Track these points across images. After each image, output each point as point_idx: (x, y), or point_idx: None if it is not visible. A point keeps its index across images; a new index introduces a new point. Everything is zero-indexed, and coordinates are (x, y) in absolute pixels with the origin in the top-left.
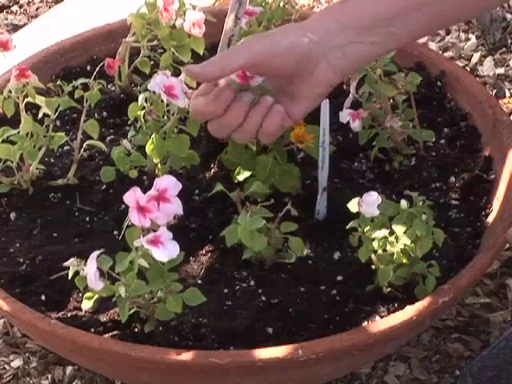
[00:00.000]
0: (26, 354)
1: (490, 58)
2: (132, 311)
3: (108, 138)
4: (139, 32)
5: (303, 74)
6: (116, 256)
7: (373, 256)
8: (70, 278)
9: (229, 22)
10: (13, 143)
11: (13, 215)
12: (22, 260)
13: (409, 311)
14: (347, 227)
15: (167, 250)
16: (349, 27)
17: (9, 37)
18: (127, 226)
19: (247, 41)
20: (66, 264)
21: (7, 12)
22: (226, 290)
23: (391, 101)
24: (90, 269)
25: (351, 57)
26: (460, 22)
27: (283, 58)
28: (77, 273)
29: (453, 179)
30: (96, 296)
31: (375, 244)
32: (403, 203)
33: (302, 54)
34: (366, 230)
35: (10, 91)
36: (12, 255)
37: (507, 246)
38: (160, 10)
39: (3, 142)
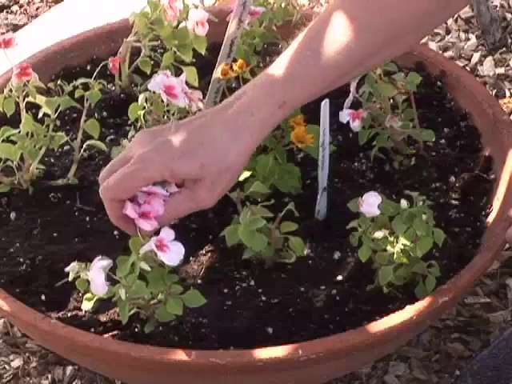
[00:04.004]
0: (26, 354)
1: (490, 58)
2: (132, 312)
3: (108, 138)
4: (141, 31)
5: None
6: (117, 259)
7: (373, 256)
8: (70, 280)
9: (232, 25)
10: (13, 143)
11: (13, 215)
12: (21, 260)
13: (409, 311)
14: (347, 227)
15: (173, 253)
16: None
17: (11, 35)
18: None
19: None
20: (67, 270)
21: (7, 12)
22: (225, 290)
23: (391, 101)
24: (97, 278)
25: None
26: None
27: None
28: (77, 276)
29: (453, 179)
30: (96, 297)
31: (375, 244)
32: (403, 203)
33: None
34: (365, 230)
35: (11, 90)
36: (12, 255)
37: (507, 245)
38: (165, 6)
39: (3, 141)
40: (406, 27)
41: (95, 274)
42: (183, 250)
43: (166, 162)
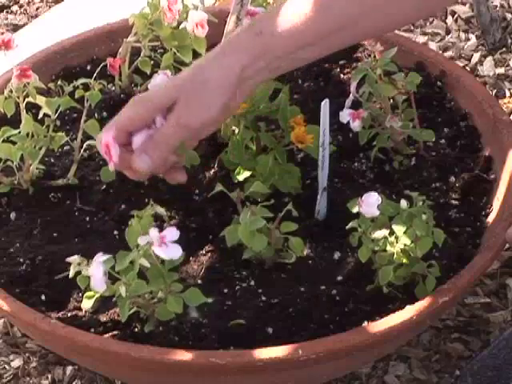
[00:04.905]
0: (26, 354)
1: (490, 58)
2: (132, 311)
3: None
4: (141, 32)
5: None
6: (116, 254)
7: (373, 256)
8: (71, 276)
9: (230, 23)
10: (13, 143)
11: (13, 215)
12: (22, 260)
13: (409, 311)
14: (347, 227)
15: (169, 252)
16: (260, 59)
17: (11, 36)
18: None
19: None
20: (68, 259)
21: (7, 12)
22: (225, 290)
23: (391, 101)
24: (97, 272)
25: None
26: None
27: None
28: (78, 272)
29: (453, 179)
30: (96, 295)
31: (375, 244)
32: (403, 203)
33: None
34: (365, 230)
35: (11, 91)
36: (12, 255)
37: (507, 245)
38: (164, 9)
39: (4, 141)
40: None
41: (95, 268)
42: (180, 252)
43: (146, 97)
